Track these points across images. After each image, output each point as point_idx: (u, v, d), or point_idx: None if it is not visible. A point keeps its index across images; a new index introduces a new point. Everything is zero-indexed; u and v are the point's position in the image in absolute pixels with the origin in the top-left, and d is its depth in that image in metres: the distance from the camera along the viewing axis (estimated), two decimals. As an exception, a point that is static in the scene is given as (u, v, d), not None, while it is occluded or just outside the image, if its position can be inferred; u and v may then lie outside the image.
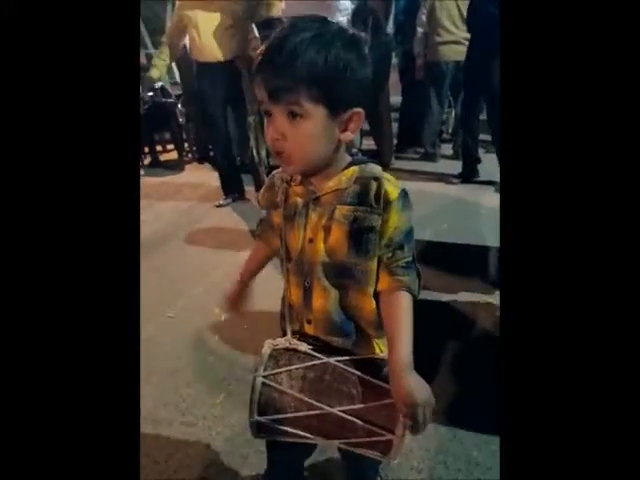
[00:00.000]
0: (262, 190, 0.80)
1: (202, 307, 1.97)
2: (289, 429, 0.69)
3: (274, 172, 0.78)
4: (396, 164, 3.87)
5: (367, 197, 0.68)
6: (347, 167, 0.70)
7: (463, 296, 1.93)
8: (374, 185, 0.69)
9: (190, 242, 2.73)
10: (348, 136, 0.67)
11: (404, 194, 0.69)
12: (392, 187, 0.69)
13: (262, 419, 0.69)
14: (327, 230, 0.70)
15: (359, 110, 0.65)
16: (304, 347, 0.74)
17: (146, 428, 1.35)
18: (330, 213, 0.70)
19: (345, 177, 0.70)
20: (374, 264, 0.71)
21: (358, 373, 0.70)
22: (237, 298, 0.94)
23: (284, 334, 0.78)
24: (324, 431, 0.69)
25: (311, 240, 0.71)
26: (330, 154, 0.67)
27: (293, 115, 0.62)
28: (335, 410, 0.67)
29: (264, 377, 0.70)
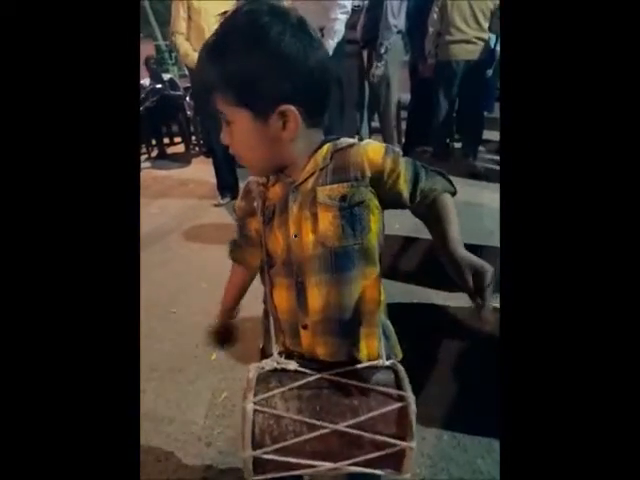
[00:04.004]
0: (238, 199, 0.76)
1: (205, 303, 1.97)
2: (292, 459, 0.63)
3: (249, 179, 0.74)
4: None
5: (348, 170, 0.64)
6: (319, 147, 0.66)
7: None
8: (352, 154, 0.65)
9: (195, 237, 2.73)
10: (289, 135, 0.62)
11: (392, 150, 0.66)
12: (373, 149, 0.65)
13: (259, 453, 0.62)
14: (314, 218, 0.64)
15: (286, 107, 0.59)
16: (293, 365, 0.69)
17: (147, 425, 1.34)
18: (311, 199, 0.64)
19: (320, 156, 0.65)
20: (374, 238, 0.66)
21: (356, 382, 0.66)
22: (223, 332, 0.89)
23: (264, 357, 0.73)
24: (330, 454, 0.63)
25: (296, 235, 0.66)
26: (280, 153, 0.64)
27: (227, 122, 0.62)
28: (340, 427, 0.62)
29: (255, 403, 0.63)
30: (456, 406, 1.34)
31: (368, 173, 0.64)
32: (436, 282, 1.98)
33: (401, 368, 0.69)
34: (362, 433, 0.62)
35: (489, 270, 0.58)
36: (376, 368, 0.69)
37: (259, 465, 0.63)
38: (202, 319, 1.86)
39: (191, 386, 1.51)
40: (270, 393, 0.65)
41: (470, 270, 0.60)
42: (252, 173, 0.70)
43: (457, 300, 1.90)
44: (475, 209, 2.79)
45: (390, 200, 0.68)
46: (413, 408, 0.63)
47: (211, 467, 1.22)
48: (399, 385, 0.66)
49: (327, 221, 0.64)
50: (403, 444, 0.62)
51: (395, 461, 0.63)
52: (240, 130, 0.62)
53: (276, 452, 0.62)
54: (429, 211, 0.69)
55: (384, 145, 0.67)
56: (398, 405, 0.62)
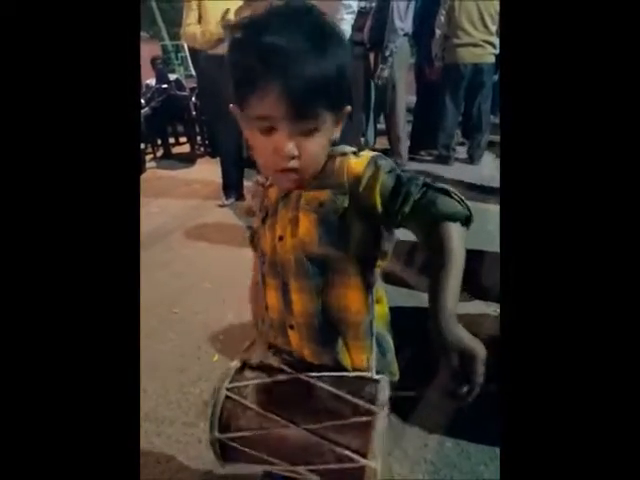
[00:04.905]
0: (247, 198, 0.79)
1: (208, 304, 1.96)
2: (253, 452, 0.63)
3: (254, 178, 0.76)
4: (409, 166, 3.83)
5: (331, 177, 0.62)
6: None
7: (473, 304, 1.89)
8: (337, 162, 0.63)
9: (197, 238, 2.72)
10: (338, 132, 0.63)
11: (374, 161, 0.61)
12: (357, 160, 0.62)
13: (222, 437, 0.64)
14: (295, 222, 0.64)
15: (350, 107, 0.62)
16: (277, 362, 0.69)
17: (148, 426, 1.34)
18: (295, 202, 0.64)
19: None
20: (356, 248, 0.63)
21: (332, 389, 0.64)
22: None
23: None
24: (289, 455, 0.62)
25: (281, 237, 0.66)
26: None
27: (309, 131, 0.58)
28: (299, 428, 0.61)
29: (228, 390, 0.65)
30: (459, 413, 1.33)
31: (346, 181, 0.62)
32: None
33: (385, 385, 0.65)
34: (321, 440, 0.60)
35: (481, 355, 0.52)
36: (362, 379, 0.66)
37: (224, 450, 0.66)
38: (204, 320, 1.86)
39: (193, 387, 1.50)
40: (244, 383, 0.67)
41: (457, 353, 0.53)
42: (291, 186, 0.64)
43: (461, 307, 1.88)
44: (479, 213, 2.78)
45: (367, 214, 0.62)
46: (380, 425, 0.60)
47: (212, 470, 1.21)
48: (374, 400, 0.63)
49: (305, 227, 0.63)
50: (362, 461, 0.59)
51: (356, 478, 0.60)
52: (323, 137, 0.60)
53: (238, 441, 0.64)
54: (427, 242, 0.61)
55: (371, 155, 0.63)
56: (363, 419, 0.60)
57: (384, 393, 0.63)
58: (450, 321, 0.55)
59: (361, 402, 0.62)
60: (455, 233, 0.58)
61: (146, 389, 1.48)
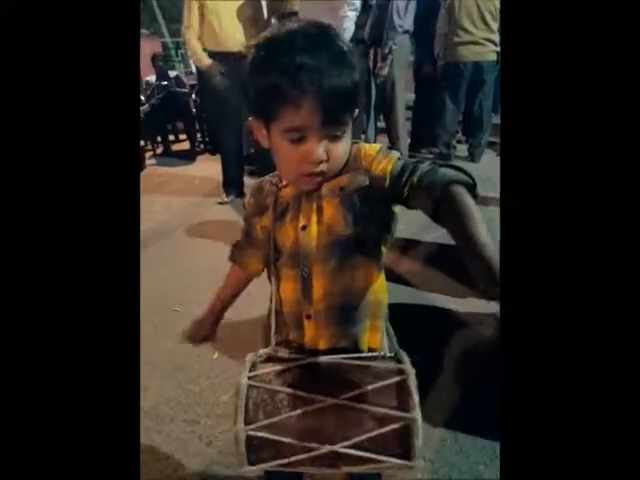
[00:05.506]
0: (248, 196, 0.79)
1: (208, 301, 1.96)
2: (285, 439, 0.60)
3: (262, 178, 0.77)
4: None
5: (349, 165, 0.68)
6: None
7: (473, 302, 1.89)
8: (353, 150, 0.68)
9: (198, 235, 2.72)
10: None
11: (386, 148, 0.69)
12: (370, 147, 0.69)
13: (250, 428, 0.60)
14: (320, 211, 0.68)
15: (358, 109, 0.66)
16: (286, 353, 0.69)
17: (148, 424, 1.34)
18: (318, 194, 0.68)
19: None
20: (371, 231, 0.68)
21: (355, 362, 0.64)
22: (207, 330, 0.90)
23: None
24: (327, 434, 0.60)
25: (304, 227, 0.69)
26: None
27: (337, 136, 0.62)
28: (338, 400, 0.60)
29: (250, 378, 0.63)
30: (459, 412, 1.33)
31: (363, 164, 0.67)
32: (439, 285, 1.97)
33: (404, 355, 0.67)
34: (362, 405, 0.59)
35: None
36: (376, 358, 0.68)
37: (251, 447, 0.60)
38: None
39: (193, 385, 1.50)
40: (265, 370, 0.65)
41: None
42: (312, 187, 0.67)
43: (462, 304, 1.89)
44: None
45: (380, 195, 0.66)
46: (413, 379, 0.61)
47: (212, 467, 1.21)
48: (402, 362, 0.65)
49: (330, 212, 0.68)
50: (407, 415, 0.58)
51: (401, 442, 0.59)
52: (347, 140, 0.65)
53: (269, 429, 0.60)
54: (439, 208, 0.59)
55: (381, 145, 0.70)
56: (398, 378, 0.61)
57: (410, 363, 0.65)
58: (486, 249, 0.51)
59: (391, 365, 0.62)
60: (464, 193, 0.57)
61: (146, 387, 1.48)
